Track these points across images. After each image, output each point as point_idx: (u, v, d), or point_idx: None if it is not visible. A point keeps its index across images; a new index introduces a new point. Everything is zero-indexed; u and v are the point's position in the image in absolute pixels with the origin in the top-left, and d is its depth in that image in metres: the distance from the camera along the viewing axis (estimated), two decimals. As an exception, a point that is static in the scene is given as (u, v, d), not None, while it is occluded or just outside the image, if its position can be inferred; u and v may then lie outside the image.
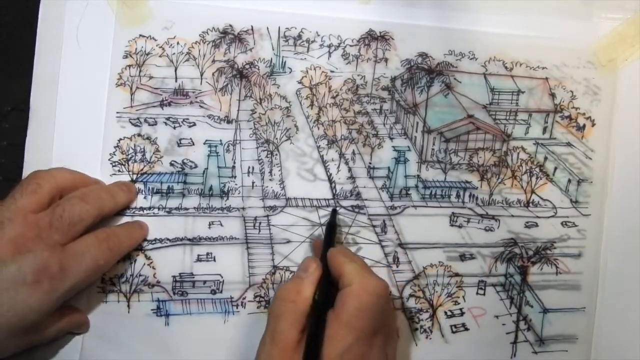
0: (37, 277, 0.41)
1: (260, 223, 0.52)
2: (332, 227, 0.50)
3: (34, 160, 0.50)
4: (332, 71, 0.54)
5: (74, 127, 0.50)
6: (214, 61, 0.53)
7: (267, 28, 0.53)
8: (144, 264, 0.50)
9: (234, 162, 0.53)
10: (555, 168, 0.56)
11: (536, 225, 0.55)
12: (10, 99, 0.53)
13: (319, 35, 0.54)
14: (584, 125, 0.56)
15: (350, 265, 0.44)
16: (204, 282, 0.51)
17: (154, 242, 0.51)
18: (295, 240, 0.53)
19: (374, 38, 0.54)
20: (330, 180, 0.54)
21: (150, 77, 0.52)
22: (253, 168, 0.53)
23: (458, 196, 0.55)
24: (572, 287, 0.55)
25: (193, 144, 0.52)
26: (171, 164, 0.52)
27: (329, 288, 0.44)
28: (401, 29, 0.55)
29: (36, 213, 0.43)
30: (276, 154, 0.54)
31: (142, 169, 0.52)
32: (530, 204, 0.56)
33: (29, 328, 0.42)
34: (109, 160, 0.51)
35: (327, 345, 0.40)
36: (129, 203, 0.50)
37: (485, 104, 0.56)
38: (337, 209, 0.53)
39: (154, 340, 0.50)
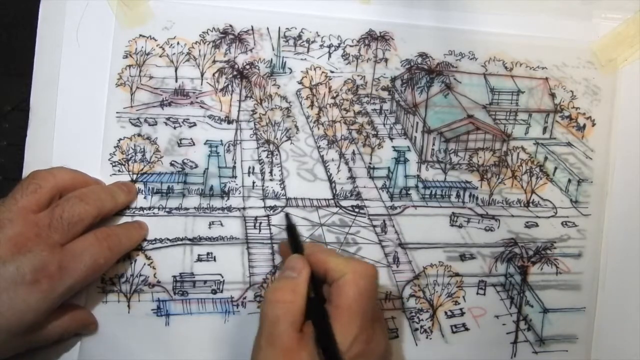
0: (36, 276, 0.41)
1: (260, 223, 0.52)
2: (293, 228, 0.48)
3: (34, 160, 0.50)
4: (332, 71, 0.54)
5: (74, 127, 0.50)
6: (214, 61, 0.53)
7: (267, 28, 0.53)
8: (144, 264, 0.50)
9: (235, 162, 0.53)
10: (555, 168, 0.56)
11: (536, 225, 0.55)
12: (10, 99, 0.53)
13: (319, 35, 0.54)
14: (584, 125, 0.56)
15: (335, 258, 0.44)
16: (205, 282, 0.51)
17: (154, 242, 0.51)
18: (296, 240, 0.53)
19: (374, 38, 0.54)
20: (330, 180, 0.54)
21: (151, 77, 0.52)
22: (253, 168, 0.53)
23: (458, 196, 0.55)
24: (572, 287, 0.55)
25: (193, 144, 0.52)
26: (171, 164, 0.52)
27: (319, 282, 0.44)
28: (401, 29, 0.55)
29: (36, 213, 0.43)
30: (276, 154, 0.54)
31: (142, 169, 0.52)
32: (530, 204, 0.56)
33: (29, 328, 0.42)
34: (109, 160, 0.51)
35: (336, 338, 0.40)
36: (129, 203, 0.50)
37: (485, 104, 0.56)
38: (288, 212, 0.52)
39: (154, 340, 0.50)
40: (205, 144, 0.52)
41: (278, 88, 0.54)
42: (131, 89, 0.52)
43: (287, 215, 0.50)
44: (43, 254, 0.41)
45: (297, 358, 0.40)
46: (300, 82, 0.54)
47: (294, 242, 0.47)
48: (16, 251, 0.41)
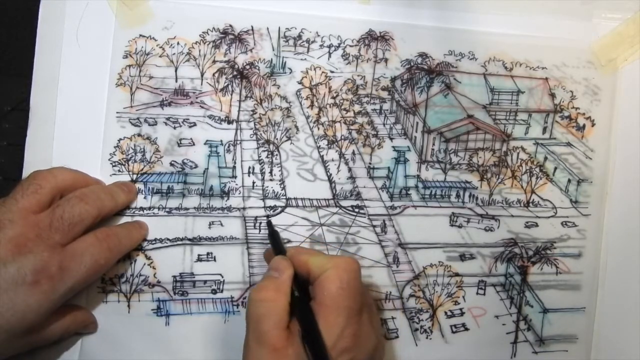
0: (36, 277, 0.41)
1: (260, 223, 0.52)
2: (275, 234, 0.49)
3: (34, 160, 0.50)
4: (332, 71, 0.54)
5: (74, 127, 0.50)
6: (214, 61, 0.53)
7: (267, 28, 0.53)
8: (144, 264, 0.50)
9: (235, 162, 0.53)
10: (555, 168, 0.56)
11: (536, 225, 0.55)
12: (10, 99, 0.53)
13: (319, 35, 0.54)
14: (584, 125, 0.56)
15: (315, 257, 0.44)
16: (205, 282, 0.51)
17: (154, 242, 0.51)
18: (296, 240, 0.53)
19: (374, 38, 0.54)
20: (330, 180, 0.54)
21: (151, 77, 0.52)
22: (253, 168, 0.53)
23: (458, 196, 0.55)
24: (572, 287, 0.55)
25: (193, 144, 0.52)
26: (171, 164, 0.52)
27: (304, 283, 0.44)
28: (401, 29, 0.55)
29: (37, 214, 0.43)
30: (276, 154, 0.54)
31: (142, 169, 0.52)
32: (530, 204, 0.56)
33: (29, 328, 0.42)
34: (109, 160, 0.51)
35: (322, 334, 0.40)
36: (129, 203, 0.50)
37: (485, 104, 0.56)
38: (270, 219, 0.52)
39: (154, 340, 0.50)
40: (205, 144, 0.52)
41: (278, 88, 0.54)
42: (131, 89, 0.52)
43: (269, 223, 0.50)
44: (44, 254, 0.41)
45: (284, 355, 0.39)
46: (300, 82, 0.54)
47: (276, 246, 0.47)
48: (17, 252, 0.41)
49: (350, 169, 0.55)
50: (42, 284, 0.41)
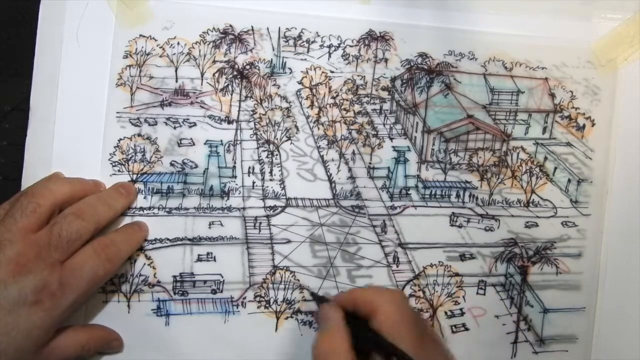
0: (38, 296, 0.41)
1: (260, 223, 0.52)
2: (314, 295, 0.50)
3: (34, 160, 0.50)
4: (332, 71, 0.54)
5: (74, 127, 0.50)
6: (214, 61, 0.53)
7: (267, 28, 0.53)
8: (144, 264, 0.50)
9: (235, 162, 0.53)
10: (555, 168, 0.56)
11: (536, 225, 0.55)
12: (10, 99, 0.53)
13: (319, 35, 0.54)
14: (584, 125, 0.56)
15: (361, 292, 0.45)
16: (205, 281, 0.51)
17: (154, 242, 0.51)
18: (295, 240, 0.53)
19: (374, 38, 0.54)
20: (330, 180, 0.54)
21: (151, 77, 0.52)
22: (253, 168, 0.53)
23: (458, 196, 0.55)
24: (572, 287, 0.55)
25: (193, 144, 0.52)
26: (171, 164, 0.52)
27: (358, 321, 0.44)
28: (401, 29, 0.55)
29: (36, 232, 0.43)
30: (276, 154, 0.54)
31: (142, 169, 0.52)
32: (530, 204, 0.56)
33: (37, 345, 0.42)
34: (109, 160, 0.51)
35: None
36: (128, 206, 0.50)
37: (485, 104, 0.56)
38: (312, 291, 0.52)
39: (154, 340, 0.50)
40: (205, 144, 0.52)
41: (278, 88, 0.54)
42: (131, 89, 0.52)
43: (313, 294, 0.51)
44: (44, 273, 0.41)
45: None
46: (300, 82, 0.54)
47: (318, 298, 0.48)
48: (17, 273, 0.41)
49: (350, 169, 0.55)
50: (44, 302, 0.41)
